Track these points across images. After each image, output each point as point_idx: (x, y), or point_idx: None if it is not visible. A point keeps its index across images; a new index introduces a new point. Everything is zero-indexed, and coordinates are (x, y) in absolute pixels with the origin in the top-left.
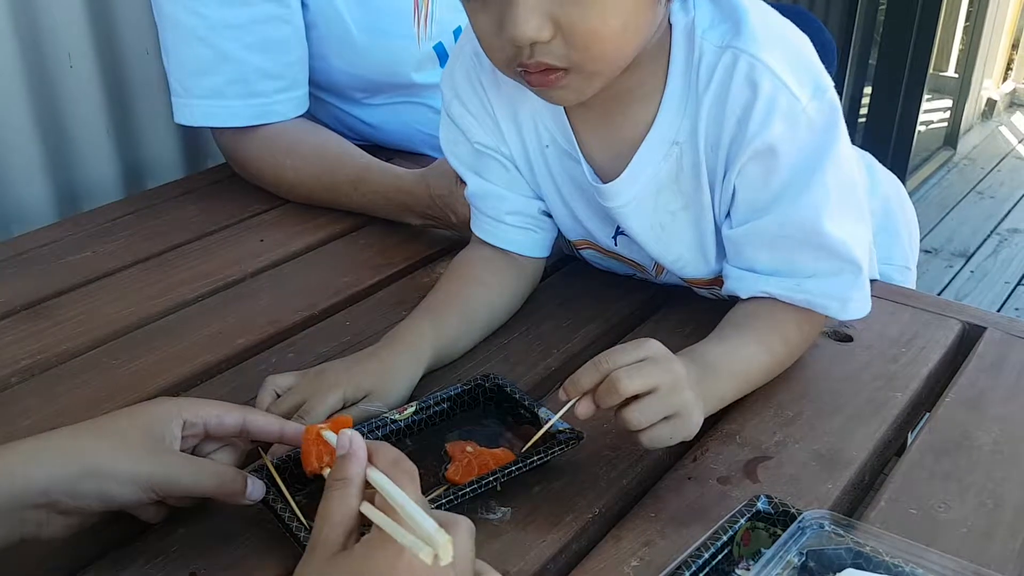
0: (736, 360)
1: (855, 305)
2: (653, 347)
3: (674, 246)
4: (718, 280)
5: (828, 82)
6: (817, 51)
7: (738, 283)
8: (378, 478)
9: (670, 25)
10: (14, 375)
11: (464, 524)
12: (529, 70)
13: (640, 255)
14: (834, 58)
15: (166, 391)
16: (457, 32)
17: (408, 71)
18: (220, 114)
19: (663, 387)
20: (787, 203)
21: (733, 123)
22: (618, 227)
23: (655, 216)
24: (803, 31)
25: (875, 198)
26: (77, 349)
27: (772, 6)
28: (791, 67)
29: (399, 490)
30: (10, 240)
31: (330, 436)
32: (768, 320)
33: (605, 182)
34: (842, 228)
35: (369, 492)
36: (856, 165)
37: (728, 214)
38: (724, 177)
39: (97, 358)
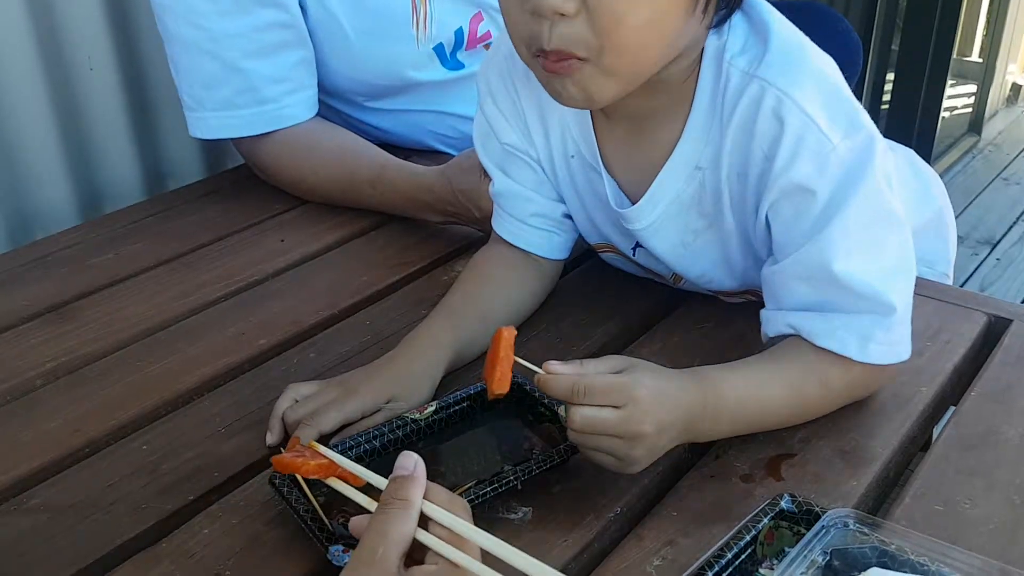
0: (753, 402)
1: (876, 348)
2: (638, 397)
3: (698, 263)
4: (749, 291)
5: (863, 117)
6: (843, 52)
7: (767, 323)
8: (436, 511)
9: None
10: (39, 377)
11: None
12: (547, 57)
13: (659, 266)
14: (859, 59)
15: (189, 392)
16: (458, 33)
17: (407, 71)
18: (234, 124)
19: (619, 438)
20: (809, 242)
21: (760, 158)
22: (637, 242)
23: (678, 236)
24: (830, 31)
25: (928, 205)
26: (101, 351)
27: (799, 3)
28: (823, 103)
29: (472, 527)
30: (33, 243)
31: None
32: (801, 361)
33: (628, 199)
34: (865, 268)
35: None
36: (897, 200)
37: (771, 251)
38: (756, 209)
39: (121, 360)
